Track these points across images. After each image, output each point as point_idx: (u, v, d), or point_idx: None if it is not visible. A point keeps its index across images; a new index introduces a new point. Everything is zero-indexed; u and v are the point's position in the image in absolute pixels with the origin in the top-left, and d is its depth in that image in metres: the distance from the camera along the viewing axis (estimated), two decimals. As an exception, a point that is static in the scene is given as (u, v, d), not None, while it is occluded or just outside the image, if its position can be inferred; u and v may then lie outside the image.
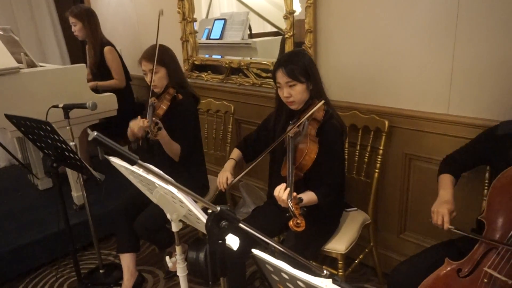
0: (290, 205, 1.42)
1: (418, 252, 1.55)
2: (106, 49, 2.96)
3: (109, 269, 2.41)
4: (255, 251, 0.92)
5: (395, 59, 1.90)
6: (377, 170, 1.99)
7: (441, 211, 1.38)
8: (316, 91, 1.72)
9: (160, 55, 2.06)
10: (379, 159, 1.98)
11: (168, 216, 1.32)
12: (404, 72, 1.89)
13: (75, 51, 4.64)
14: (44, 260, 2.53)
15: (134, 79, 3.42)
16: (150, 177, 1.20)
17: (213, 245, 0.91)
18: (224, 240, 0.93)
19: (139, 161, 0.74)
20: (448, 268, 1.31)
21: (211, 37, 3.17)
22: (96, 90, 2.92)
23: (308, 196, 1.58)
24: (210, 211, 0.94)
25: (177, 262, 1.43)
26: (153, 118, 1.91)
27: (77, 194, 2.71)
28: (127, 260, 2.15)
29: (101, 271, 2.34)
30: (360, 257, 2.03)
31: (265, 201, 2.17)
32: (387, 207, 2.13)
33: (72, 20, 2.97)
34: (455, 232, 1.32)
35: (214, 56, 3.05)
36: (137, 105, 3.39)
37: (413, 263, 1.49)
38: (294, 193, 1.47)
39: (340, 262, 1.79)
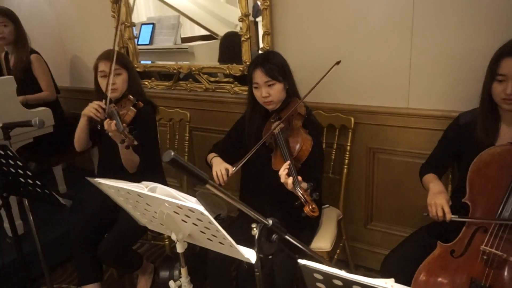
0: (300, 193, 1.40)
1: (404, 239, 1.62)
2: (34, 57, 2.64)
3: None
4: (302, 261, 0.89)
5: (354, 58, 1.98)
6: (345, 166, 2.06)
7: (439, 202, 1.39)
8: (292, 90, 1.74)
9: (123, 58, 1.94)
10: (347, 155, 2.06)
11: (173, 237, 1.20)
12: (364, 70, 1.98)
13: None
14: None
15: (61, 91, 3.09)
16: (158, 195, 1.09)
17: (264, 261, 0.86)
18: (273, 254, 0.88)
19: (210, 181, 0.67)
20: (441, 251, 1.39)
21: (140, 43, 3.02)
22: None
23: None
24: (254, 225, 0.88)
25: (183, 285, 1.31)
26: (123, 125, 1.73)
27: (17, 222, 2.36)
28: (91, 292, 1.93)
29: (55, 308, 2.07)
30: (338, 252, 2.08)
31: (225, 208, 2.11)
32: (353, 200, 2.22)
33: (1, 19, 2.62)
34: (459, 221, 1.35)
35: (142, 62, 2.89)
36: (67, 119, 3.08)
37: (402, 251, 1.55)
38: (300, 178, 1.45)
39: (326, 260, 1.82)
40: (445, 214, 1.37)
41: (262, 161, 1.70)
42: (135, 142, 1.70)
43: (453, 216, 1.36)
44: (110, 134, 1.76)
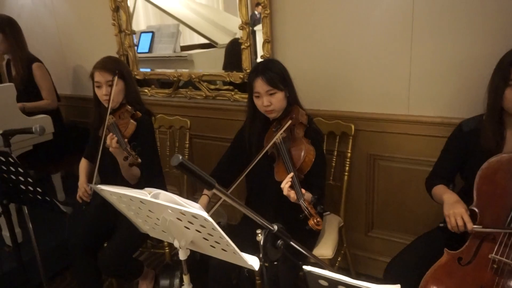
0: (304, 206, 1.38)
1: (407, 246, 1.60)
2: (35, 65, 2.64)
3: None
4: (307, 268, 0.88)
5: (354, 65, 1.99)
6: (346, 173, 2.06)
7: (458, 211, 1.33)
8: (293, 98, 1.74)
9: (119, 67, 1.89)
10: (347, 162, 2.06)
11: (176, 244, 1.20)
12: (364, 77, 1.99)
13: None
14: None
15: (62, 99, 3.09)
16: (161, 201, 1.08)
17: (270, 267, 0.85)
18: (278, 260, 0.87)
19: (217, 185, 0.66)
20: (448, 258, 1.37)
21: (139, 51, 3.03)
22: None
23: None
24: (259, 231, 0.88)
25: (185, 293, 1.30)
26: (125, 140, 1.70)
27: (16, 230, 2.33)
28: (90, 301, 1.91)
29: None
30: (339, 259, 2.07)
31: (225, 216, 2.10)
32: (354, 208, 2.21)
33: None
34: (482, 232, 1.30)
35: (142, 70, 2.90)
36: (67, 127, 3.07)
37: (406, 258, 1.54)
38: (303, 190, 1.43)
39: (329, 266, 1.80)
40: (465, 224, 1.32)
41: (264, 171, 1.69)
42: (139, 160, 1.65)
43: (475, 226, 1.31)
44: (111, 150, 1.73)
